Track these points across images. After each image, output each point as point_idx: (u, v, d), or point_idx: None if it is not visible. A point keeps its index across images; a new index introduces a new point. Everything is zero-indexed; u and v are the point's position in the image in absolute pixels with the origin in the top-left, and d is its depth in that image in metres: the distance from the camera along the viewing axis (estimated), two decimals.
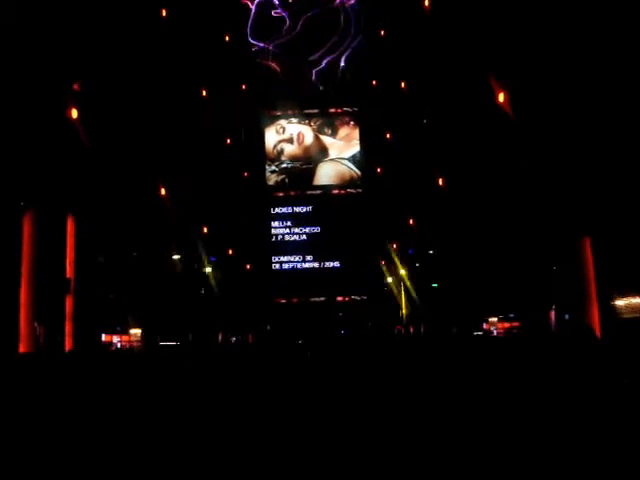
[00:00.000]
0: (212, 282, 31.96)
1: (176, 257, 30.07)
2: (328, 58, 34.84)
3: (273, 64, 35.15)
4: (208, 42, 31.27)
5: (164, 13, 26.18)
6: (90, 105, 20.82)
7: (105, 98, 23.28)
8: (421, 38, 29.68)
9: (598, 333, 20.78)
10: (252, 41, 34.54)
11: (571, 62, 21.05)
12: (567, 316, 25.28)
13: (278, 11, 34.62)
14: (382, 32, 33.06)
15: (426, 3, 24.32)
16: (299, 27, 34.20)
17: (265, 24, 34.68)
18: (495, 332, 29.48)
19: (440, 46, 28.56)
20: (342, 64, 34.74)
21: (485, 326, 29.80)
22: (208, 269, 31.83)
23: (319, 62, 34.99)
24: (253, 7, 34.16)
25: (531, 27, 22.05)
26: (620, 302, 21.49)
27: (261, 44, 34.76)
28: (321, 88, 35.61)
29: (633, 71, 18.69)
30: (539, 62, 21.85)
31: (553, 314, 26.46)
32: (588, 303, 21.94)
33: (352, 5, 34.22)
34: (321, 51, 34.65)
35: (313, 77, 35.22)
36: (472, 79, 25.61)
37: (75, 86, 20.43)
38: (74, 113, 17.98)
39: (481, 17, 24.81)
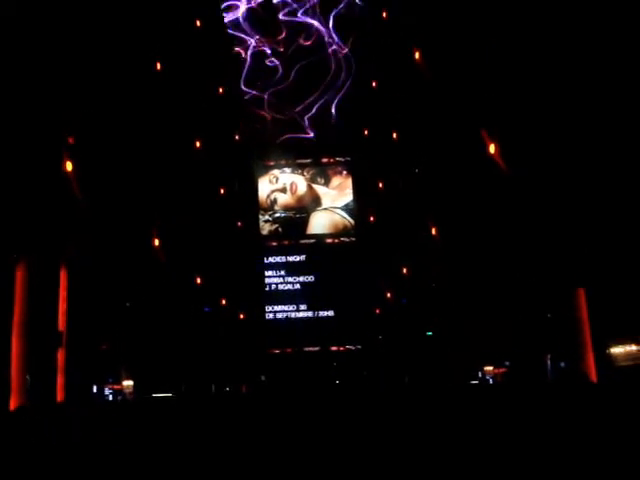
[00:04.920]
0: (205, 332, 31.77)
1: (169, 307, 29.89)
2: (318, 104, 35.13)
3: (264, 113, 35.49)
4: (201, 94, 31.63)
5: (158, 67, 26.52)
6: (83, 157, 20.94)
7: (98, 149, 23.42)
8: (412, 89, 30.12)
9: (595, 380, 20.68)
10: (245, 89, 34.88)
11: (562, 113, 21.36)
12: (563, 364, 25.20)
13: (272, 59, 35.03)
14: (374, 83, 33.51)
15: (417, 56, 24.75)
16: (292, 76, 34.60)
17: (258, 74, 35.08)
18: (491, 380, 29.29)
19: (431, 97, 28.98)
20: (333, 111, 35.06)
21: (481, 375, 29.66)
22: (202, 319, 31.67)
23: (310, 109, 35.33)
24: (248, 57, 34.59)
25: (521, 79, 22.41)
26: (615, 350, 21.45)
27: (253, 92, 35.08)
28: (311, 135, 35.83)
29: (622, 125, 18.96)
30: (529, 113, 22.17)
31: (549, 362, 26.37)
32: (584, 351, 21.88)
33: (345, 55, 34.66)
34: (312, 97, 34.96)
35: (305, 124, 35.51)
36: (463, 129, 25.92)
37: (69, 139, 20.57)
38: (69, 165, 18.08)
39: (472, 69, 25.23)
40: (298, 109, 35.29)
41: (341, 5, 34.10)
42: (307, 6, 34.15)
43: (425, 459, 7.68)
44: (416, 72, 26.61)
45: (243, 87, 34.89)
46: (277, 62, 34.86)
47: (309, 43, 34.70)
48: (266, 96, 35.05)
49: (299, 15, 34.32)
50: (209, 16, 31.54)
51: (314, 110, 35.40)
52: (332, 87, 35.13)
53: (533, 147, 22.00)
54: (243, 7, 34.13)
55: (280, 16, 34.44)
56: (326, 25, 34.59)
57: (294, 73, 34.79)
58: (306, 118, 35.41)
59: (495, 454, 7.42)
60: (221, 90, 33.42)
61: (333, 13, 34.29)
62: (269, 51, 35.11)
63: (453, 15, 25.98)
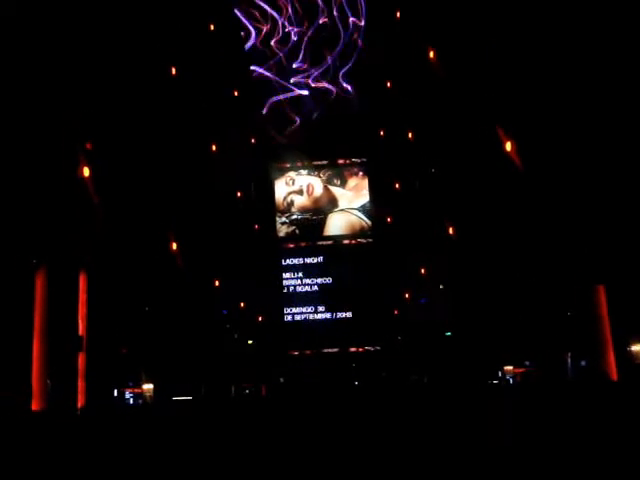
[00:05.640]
0: (224, 335, 31.89)
1: (188, 311, 30.03)
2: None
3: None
4: (218, 98, 31.73)
5: (174, 71, 26.63)
6: (102, 162, 21.09)
7: (116, 155, 23.58)
8: (428, 88, 30.03)
9: (615, 378, 20.52)
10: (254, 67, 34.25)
11: (580, 109, 21.23)
12: (584, 362, 25.03)
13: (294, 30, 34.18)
14: (388, 83, 33.39)
15: (431, 55, 24.66)
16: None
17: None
18: (511, 380, 29.12)
19: (447, 96, 28.89)
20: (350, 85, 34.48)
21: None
22: (220, 322, 31.79)
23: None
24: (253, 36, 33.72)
25: (539, 76, 22.31)
26: (636, 347, 21.28)
27: (260, 69, 34.41)
28: (306, 92, 35.04)
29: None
30: (546, 110, 22.05)
31: (569, 360, 26.19)
32: (604, 349, 21.73)
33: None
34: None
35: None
36: (479, 128, 25.83)
37: (87, 145, 20.72)
38: (86, 171, 18.20)
39: (488, 67, 25.14)
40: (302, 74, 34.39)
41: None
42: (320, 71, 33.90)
43: (444, 458, 7.66)
44: (431, 71, 26.53)
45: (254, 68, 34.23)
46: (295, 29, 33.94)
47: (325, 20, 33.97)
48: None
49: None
50: (223, 19, 31.59)
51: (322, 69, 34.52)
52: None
53: (550, 143, 21.88)
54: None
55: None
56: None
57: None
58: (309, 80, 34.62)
59: (516, 453, 7.39)
60: (236, 93, 33.46)
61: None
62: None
63: (466, 13, 25.91)
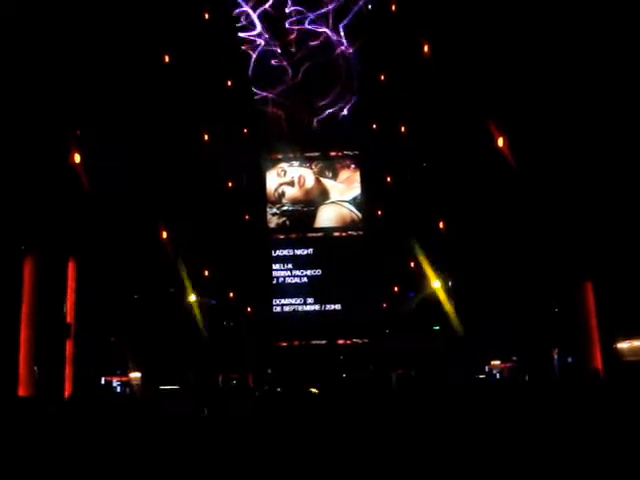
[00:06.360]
0: (213, 325, 31.85)
1: (177, 300, 29.97)
2: (330, 110, 34.83)
3: (274, 110, 35.14)
4: (210, 87, 31.59)
5: (167, 59, 26.51)
6: (92, 149, 20.97)
7: (107, 142, 23.45)
8: (421, 82, 30.03)
9: (602, 375, 20.63)
10: (255, 90, 34.49)
11: (568, 106, 21.27)
12: (570, 359, 25.17)
13: (278, 60, 34.46)
14: (382, 76, 33.34)
15: (425, 49, 24.65)
16: (300, 76, 34.14)
17: (267, 72, 34.61)
18: (498, 375, 29.25)
19: (440, 90, 28.89)
20: (344, 113, 34.64)
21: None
22: (208, 312, 31.74)
23: (321, 112, 34.94)
24: (254, 55, 34.17)
25: (531, 72, 22.33)
26: (623, 345, 21.40)
27: (263, 93, 34.73)
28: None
29: (630, 115, 18.87)
30: (536, 106, 22.08)
31: (556, 357, 26.33)
32: (591, 346, 21.85)
33: (352, 54, 34.16)
34: (324, 101, 34.47)
35: (314, 124, 35.19)
36: (472, 123, 25.85)
37: (77, 132, 20.59)
38: (77, 158, 18.09)
39: (481, 62, 25.15)
40: (308, 110, 34.61)
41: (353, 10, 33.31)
42: (317, 13, 33.52)
43: (431, 455, 7.69)
44: (424, 65, 26.52)
45: (254, 88, 34.38)
46: (285, 63, 34.25)
47: (317, 43, 34.07)
48: (272, 95, 34.51)
49: (307, 23, 33.76)
50: (217, 8, 31.44)
51: (325, 113, 34.79)
52: (341, 90, 34.54)
53: (539, 141, 21.93)
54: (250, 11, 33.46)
55: (288, 23, 33.84)
56: (334, 27, 33.90)
57: (302, 73, 34.27)
58: (315, 120, 34.89)
59: (503, 450, 7.43)
60: (230, 83, 33.34)
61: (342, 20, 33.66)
62: (278, 50, 34.48)
63: (461, 7, 25.90)
